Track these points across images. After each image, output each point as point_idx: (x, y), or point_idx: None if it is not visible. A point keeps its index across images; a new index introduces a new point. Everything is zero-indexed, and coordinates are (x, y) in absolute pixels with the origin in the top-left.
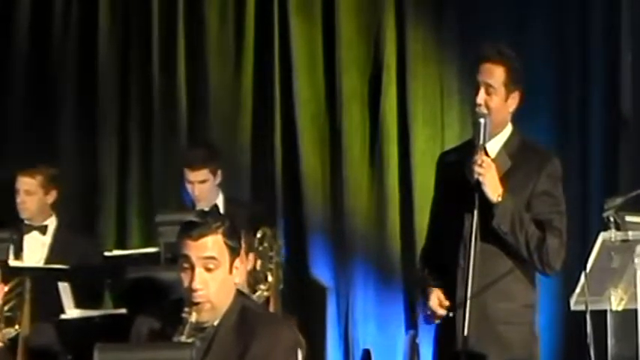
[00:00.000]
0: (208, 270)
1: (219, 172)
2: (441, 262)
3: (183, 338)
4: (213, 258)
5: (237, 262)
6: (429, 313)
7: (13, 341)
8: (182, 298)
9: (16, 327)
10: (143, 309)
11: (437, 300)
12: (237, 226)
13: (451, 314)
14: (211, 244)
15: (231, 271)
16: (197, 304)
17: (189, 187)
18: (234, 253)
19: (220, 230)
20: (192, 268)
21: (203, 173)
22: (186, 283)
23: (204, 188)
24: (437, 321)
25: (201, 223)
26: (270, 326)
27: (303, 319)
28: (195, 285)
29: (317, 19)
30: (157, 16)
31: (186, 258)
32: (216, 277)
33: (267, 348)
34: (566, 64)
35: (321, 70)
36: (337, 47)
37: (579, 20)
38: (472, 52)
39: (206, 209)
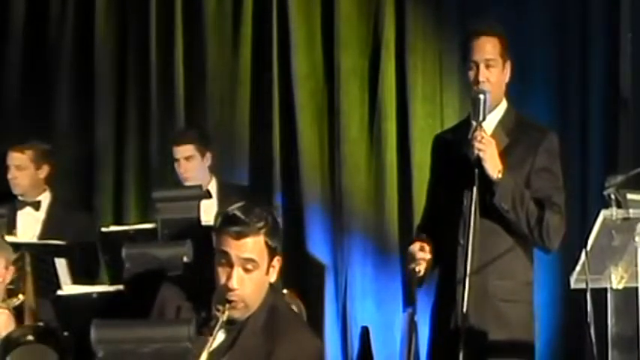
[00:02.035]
0: (247, 270)
1: (208, 155)
2: (434, 239)
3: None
4: (252, 260)
5: (274, 260)
6: (409, 261)
7: (17, 310)
8: (202, 277)
9: (20, 296)
10: (166, 282)
11: (418, 245)
12: (278, 223)
13: (423, 265)
14: (252, 246)
15: (268, 272)
16: (231, 302)
17: (176, 166)
18: (273, 252)
19: (263, 231)
20: (231, 265)
21: (188, 149)
22: (222, 280)
23: (190, 167)
24: (418, 269)
25: (244, 221)
26: (296, 333)
27: (300, 297)
28: (233, 284)
29: None
30: None
31: (226, 255)
32: (253, 278)
33: (291, 356)
34: (565, 42)
35: (319, 46)
36: (336, 24)
37: None
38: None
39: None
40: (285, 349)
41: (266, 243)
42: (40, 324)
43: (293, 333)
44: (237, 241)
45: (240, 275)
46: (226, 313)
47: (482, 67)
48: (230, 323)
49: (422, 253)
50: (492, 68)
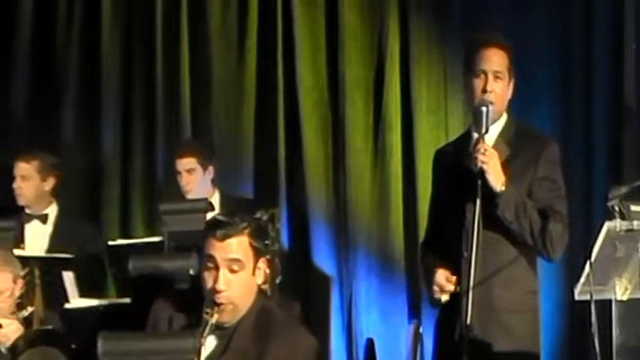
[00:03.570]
0: (232, 271)
1: (210, 168)
2: (441, 255)
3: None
4: (237, 260)
5: (260, 262)
6: (435, 291)
7: (26, 321)
8: (198, 289)
9: (28, 308)
10: (160, 294)
11: (443, 276)
12: (265, 226)
13: (457, 289)
14: (236, 246)
15: (254, 273)
16: (219, 305)
17: (178, 178)
18: (258, 253)
19: (247, 231)
20: (217, 268)
21: (190, 162)
22: (209, 284)
23: (191, 179)
24: (444, 299)
25: (227, 223)
26: (289, 332)
27: (306, 309)
28: (219, 286)
29: (321, 6)
30: (161, 3)
31: (211, 258)
32: (240, 278)
33: (286, 354)
34: (569, 51)
35: (324, 58)
36: (341, 35)
37: (583, 7)
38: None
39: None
40: (281, 347)
41: (250, 244)
42: (49, 327)
43: (287, 332)
44: (221, 242)
45: (227, 277)
46: (215, 316)
47: (490, 77)
48: (220, 328)
49: (450, 286)
50: (500, 80)
